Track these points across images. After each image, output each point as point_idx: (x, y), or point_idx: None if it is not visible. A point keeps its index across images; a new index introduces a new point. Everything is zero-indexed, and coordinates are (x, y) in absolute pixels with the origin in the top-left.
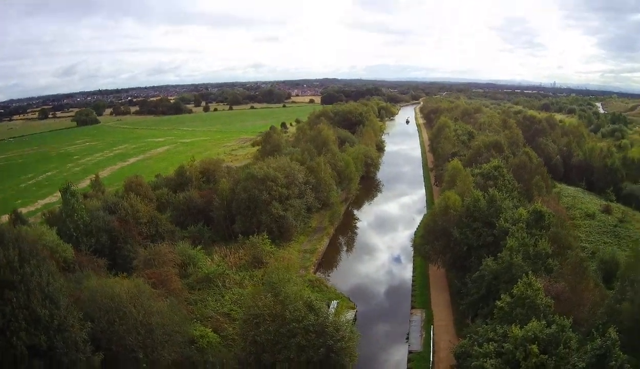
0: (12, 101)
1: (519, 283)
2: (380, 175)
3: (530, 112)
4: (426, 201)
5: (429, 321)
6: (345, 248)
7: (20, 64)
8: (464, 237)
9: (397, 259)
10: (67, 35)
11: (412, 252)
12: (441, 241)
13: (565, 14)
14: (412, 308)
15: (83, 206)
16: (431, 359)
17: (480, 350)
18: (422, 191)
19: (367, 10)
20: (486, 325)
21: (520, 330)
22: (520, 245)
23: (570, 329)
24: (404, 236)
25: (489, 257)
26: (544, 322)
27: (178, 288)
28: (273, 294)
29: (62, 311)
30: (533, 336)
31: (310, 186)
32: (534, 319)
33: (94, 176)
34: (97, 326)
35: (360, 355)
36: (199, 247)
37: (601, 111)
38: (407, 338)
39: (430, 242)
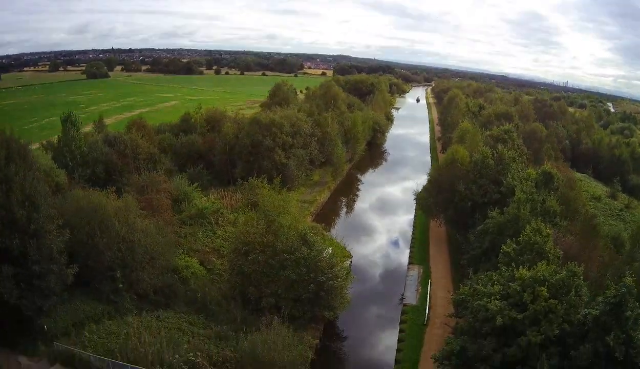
0: (23, 54)
1: (526, 228)
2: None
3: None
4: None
5: (426, 277)
6: (345, 203)
7: (35, 19)
8: (469, 193)
9: (397, 223)
10: None
11: (414, 209)
12: (445, 195)
13: (583, 16)
14: (410, 263)
15: (82, 136)
16: (427, 312)
17: (484, 290)
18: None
19: None
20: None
21: (528, 271)
22: (527, 199)
23: (582, 278)
24: (405, 204)
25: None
26: (554, 266)
27: (169, 218)
28: (266, 222)
29: (41, 216)
30: (542, 278)
31: (316, 138)
32: (543, 262)
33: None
34: (75, 237)
35: (352, 307)
36: (195, 184)
37: (612, 110)
38: (403, 293)
39: (434, 195)
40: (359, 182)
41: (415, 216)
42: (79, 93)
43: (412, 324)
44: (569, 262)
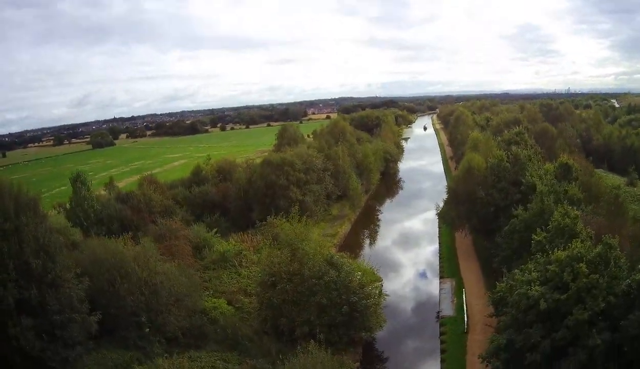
0: (26, 131)
1: (554, 214)
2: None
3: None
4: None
5: (459, 288)
6: (367, 233)
7: (33, 95)
8: (489, 198)
9: (421, 250)
10: (79, 64)
11: (437, 227)
12: (466, 205)
13: (576, 19)
14: (441, 277)
15: (94, 195)
16: (465, 321)
17: (523, 278)
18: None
19: (381, 27)
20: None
21: (564, 252)
22: (550, 191)
23: (618, 250)
24: (427, 233)
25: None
26: (588, 243)
27: (190, 262)
28: (290, 251)
29: (58, 266)
30: (579, 255)
31: (329, 173)
32: (577, 240)
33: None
34: (95, 286)
35: (389, 333)
36: (214, 230)
37: (617, 105)
38: (438, 307)
39: (455, 206)
40: (377, 213)
41: (439, 232)
42: (86, 162)
43: (452, 334)
44: (603, 236)
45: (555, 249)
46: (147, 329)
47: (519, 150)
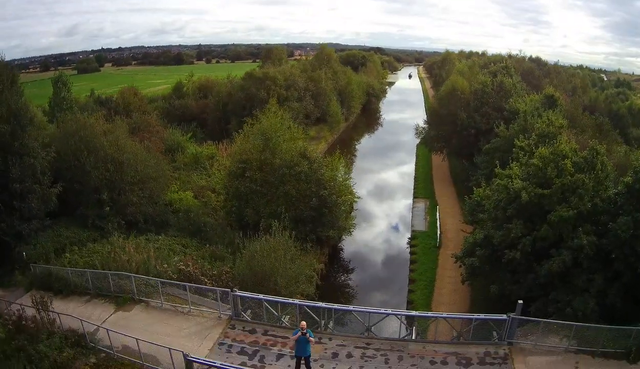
0: (14, 60)
1: (538, 121)
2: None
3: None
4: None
5: (433, 207)
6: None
7: (23, 24)
8: (471, 121)
9: (401, 184)
10: None
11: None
12: (447, 127)
13: None
14: (415, 197)
15: (73, 97)
16: (438, 236)
17: (504, 172)
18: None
19: None
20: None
21: (547, 148)
22: (533, 111)
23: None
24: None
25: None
26: (574, 145)
27: (161, 153)
28: (262, 141)
29: (26, 135)
30: (564, 153)
31: (310, 93)
32: (562, 138)
33: None
34: (61, 157)
35: (358, 245)
36: (189, 134)
37: (605, 79)
38: (411, 221)
39: (436, 127)
40: (355, 142)
41: (416, 156)
42: (72, 84)
43: (424, 247)
44: (589, 142)
45: (540, 147)
46: (108, 208)
47: (505, 78)
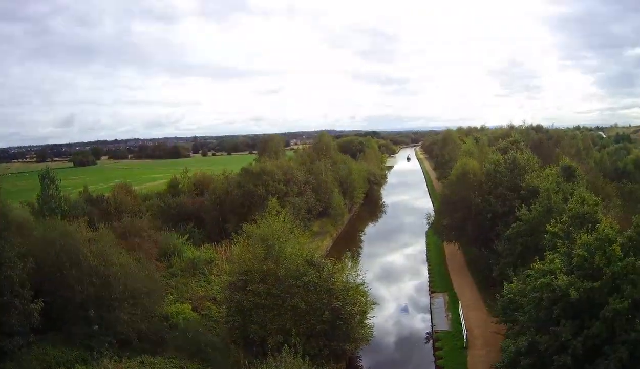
0: (11, 147)
1: (570, 201)
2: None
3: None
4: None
5: (453, 302)
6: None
7: (20, 112)
8: (486, 205)
9: (409, 266)
10: (67, 83)
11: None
12: (460, 212)
13: (564, 54)
14: (432, 292)
15: (62, 195)
16: (465, 335)
17: (543, 267)
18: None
19: (367, 60)
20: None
21: (590, 235)
22: (556, 190)
23: None
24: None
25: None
26: (617, 226)
27: (155, 266)
28: (264, 249)
29: (1, 241)
30: (610, 237)
31: (310, 187)
32: (604, 223)
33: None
34: (42, 270)
35: (376, 348)
36: (186, 236)
37: (603, 136)
38: (431, 321)
39: (448, 214)
40: (360, 233)
41: (427, 245)
42: (66, 178)
43: (450, 349)
44: (633, 217)
45: (581, 232)
46: (96, 326)
47: (517, 154)
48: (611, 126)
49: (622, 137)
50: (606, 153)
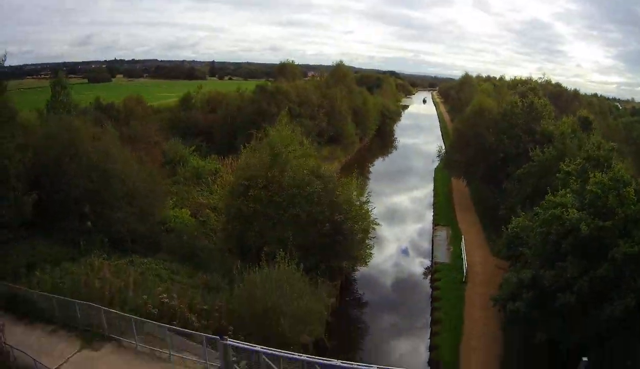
0: (25, 65)
1: (585, 145)
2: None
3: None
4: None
5: (456, 237)
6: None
7: (37, 30)
8: (500, 144)
9: (414, 210)
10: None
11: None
12: (473, 149)
13: (587, 24)
14: (436, 225)
15: (72, 101)
16: (465, 268)
17: (555, 199)
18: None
19: (390, 3)
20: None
21: (604, 175)
22: (572, 133)
23: None
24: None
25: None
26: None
27: (158, 168)
28: (271, 155)
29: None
30: (625, 180)
31: (324, 111)
32: (619, 164)
33: None
34: (41, 162)
35: (372, 276)
36: (192, 147)
37: (620, 107)
38: (432, 252)
39: (460, 150)
40: (369, 165)
41: (434, 180)
42: (80, 93)
43: (448, 281)
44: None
45: (595, 171)
46: (89, 223)
47: (535, 98)
48: (628, 100)
49: (638, 112)
50: (621, 122)
